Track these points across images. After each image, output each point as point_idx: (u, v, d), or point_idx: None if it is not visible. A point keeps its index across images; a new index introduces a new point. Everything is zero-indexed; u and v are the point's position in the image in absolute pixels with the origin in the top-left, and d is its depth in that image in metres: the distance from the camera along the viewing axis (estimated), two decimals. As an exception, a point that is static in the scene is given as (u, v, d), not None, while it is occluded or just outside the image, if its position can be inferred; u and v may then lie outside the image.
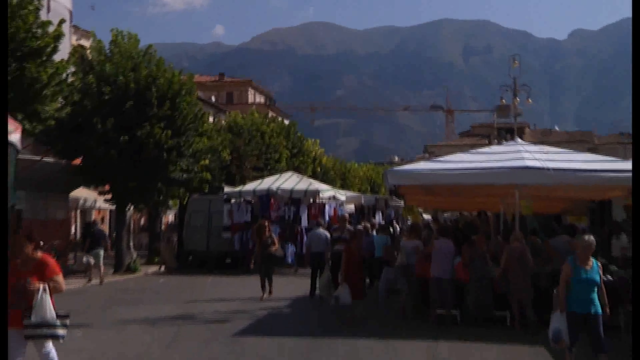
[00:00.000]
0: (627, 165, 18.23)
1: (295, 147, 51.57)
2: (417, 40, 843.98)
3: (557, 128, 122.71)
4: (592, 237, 10.94)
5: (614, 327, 13.33)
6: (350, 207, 36.74)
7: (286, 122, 60.35)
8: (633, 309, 6.14)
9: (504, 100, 60.73)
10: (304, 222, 32.06)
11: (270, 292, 20.10)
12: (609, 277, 14.49)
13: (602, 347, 10.22)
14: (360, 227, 20.85)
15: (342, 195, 37.52)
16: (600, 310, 10.28)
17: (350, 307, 17.81)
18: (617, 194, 19.97)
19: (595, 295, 10.41)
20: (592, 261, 10.62)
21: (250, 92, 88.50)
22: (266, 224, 19.63)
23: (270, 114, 63.60)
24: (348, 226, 22.16)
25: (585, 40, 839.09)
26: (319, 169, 54.49)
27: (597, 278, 10.50)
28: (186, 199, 33.56)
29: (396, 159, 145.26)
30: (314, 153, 57.62)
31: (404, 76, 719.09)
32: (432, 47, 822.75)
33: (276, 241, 18.09)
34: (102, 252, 26.11)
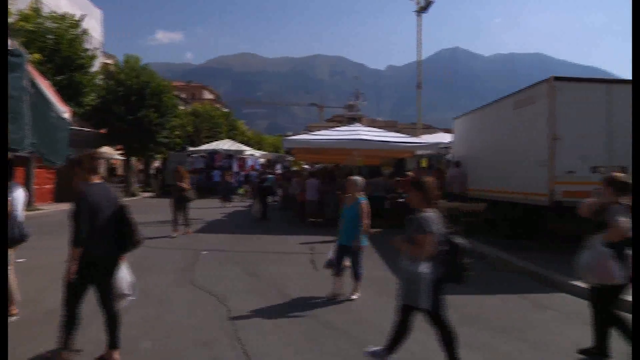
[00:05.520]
0: (414, 139, 18.62)
1: (231, 125, 50.83)
2: (303, 64, 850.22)
3: (379, 118, 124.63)
4: (357, 177, 7.65)
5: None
6: (262, 160, 36.60)
7: (226, 110, 60.03)
8: (633, 308, 4.68)
9: (351, 102, 61.53)
10: (235, 168, 32.42)
11: (188, 231, 13.94)
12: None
13: (357, 274, 7.24)
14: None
15: (257, 153, 38.14)
16: (359, 242, 7.18)
17: (260, 217, 17.87)
18: (409, 155, 20.47)
19: (352, 229, 7.16)
20: (357, 198, 7.26)
21: (206, 92, 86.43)
22: (181, 170, 14.40)
23: (218, 105, 62.89)
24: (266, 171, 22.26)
25: (394, 70, 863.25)
26: (245, 138, 54.09)
27: (353, 213, 7.20)
28: (166, 154, 33.55)
29: (290, 133, 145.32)
30: (242, 129, 57.83)
31: (295, 85, 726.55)
32: (311, 69, 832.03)
33: (187, 184, 14.12)
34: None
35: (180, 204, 13.88)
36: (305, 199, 16.70)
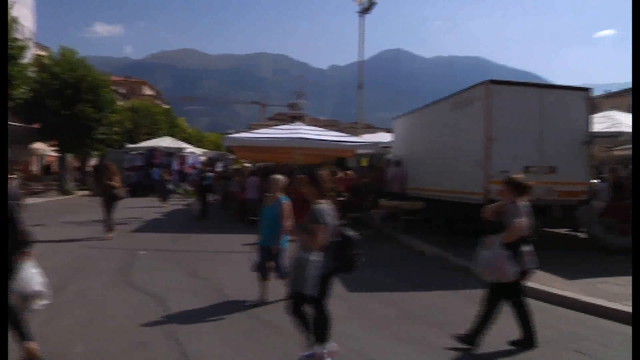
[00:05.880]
0: (355, 138, 18.78)
1: (172, 122, 49.98)
2: (246, 62, 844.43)
3: (322, 117, 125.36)
4: (279, 176, 7.14)
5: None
6: (203, 158, 36.09)
7: (167, 107, 58.99)
8: (633, 307, 5.10)
9: (293, 101, 61.55)
10: (175, 166, 31.82)
11: (113, 232, 12.89)
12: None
13: (282, 276, 6.64)
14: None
15: (198, 151, 37.55)
16: (280, 244, 6.76)
17: (200, 216, 17.62)
18: (349, 154, 20.65)
19: (272, 230, 6.71)
20: (278, 198, 6.82)
21: (146, 88, 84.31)
22: (110, 166, 13.54)
23: (158, 102, 61.60)
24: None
25: (337, 70, 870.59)
26: (186, 136, 53.24)
27: (274, 213, 6.72)
28: (104, 150, 32.39)
29: (231, 131, 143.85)
30: (183, 126, 57.03)
31: (238, 83, 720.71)
32: (254, 67, 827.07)
33: (117, 182, 13.24)
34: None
35: (110, 202, 12.98)
36: (245, 197, 16.57)
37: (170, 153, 32.48)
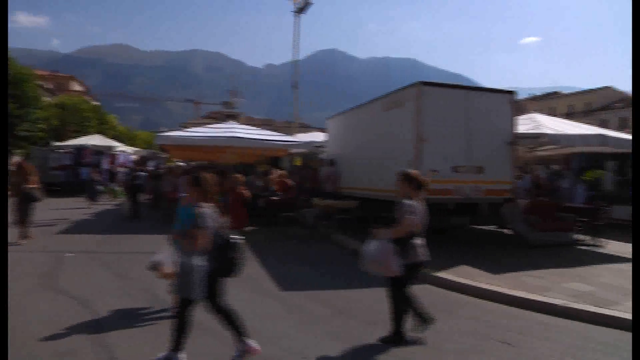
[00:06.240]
0: (289, 138, 18.83)
1: (102, 120, 48.35)
2: (180, 59, 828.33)
3: (257, 116, 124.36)
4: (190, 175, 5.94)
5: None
6: (135, 157, 35.11)
7: (97, 103, 57.08)
8: (633, 306, 5.01)
9: (228, 100, 60.98)
10: (105, 165, 30.76)
11: (29, 236, 11.89)
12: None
13: None
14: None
15: (130, 149, 36.41)
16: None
17: (131, 216, 17.18)
18: (283, 154, 20.68)
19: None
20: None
21: (74, 84, 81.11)
22: (25, 165, 12.57)
23: (87, 98, 59.37)
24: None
25: (272, 69, 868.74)
26: (117, 133, 51.64)
27: (188, 214, 4.93)
28: (28, 149, 30.59)
29: (164, 129, 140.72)
30: (113, 124, 55.30)
31: (172, 81, 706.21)
32: (188, 64, 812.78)
33: (34, 181, 12.16)
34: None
35: (24, 204, 11.90)
36: (178, 197, 16.24)
37: (100, 151, 31.40)
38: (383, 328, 5.71)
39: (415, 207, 5.36)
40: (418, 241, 5.41)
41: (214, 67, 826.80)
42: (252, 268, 9.29)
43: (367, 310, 6.76)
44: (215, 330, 5.75)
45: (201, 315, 6.40)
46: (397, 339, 5.49)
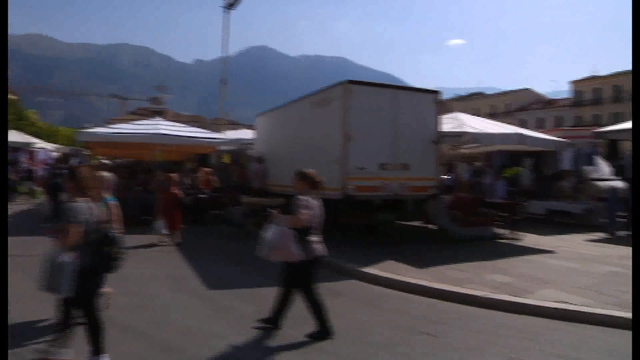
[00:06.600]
0: (216, 135, 18.57)
1: (19, 115, 46.05)
2: (105, 53, 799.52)
3: (185, 112, 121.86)
4: (106, 173, 6.24)
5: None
6: (56, 154, 33.64)
7: (13, 97, 54.25)
8: (633, 306, 5.01)
9: (155, 96, 59.54)
10: (23, 163, 29.33)
11: None
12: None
13: None
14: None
15: (50, 146, 34.98)
16: None
17: (51, 216, 16.36)
18: (211, 150, 20.41)
19: None
20: (104, 199, 5.74)
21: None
22: None
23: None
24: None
25: (202, 65, 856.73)
26: (36, 130, 49.25)
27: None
28: None
29: (88, 125, 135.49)
30: (33, 119, 52.80)
31: (96, 75, 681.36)
32: (114, 58, 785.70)
33: None
34: None
35: None
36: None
37: (17, 148, 29.82)
38: (311, 324, 5.74)
39: (311, 203, 5.57)
40: (314, 237, 5.55)
41: (141, 62, 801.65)
42: (177, 268, 9.13)
43: (294, 307, 6.76)
44: (142, 331, 5.60)
45: (126, 317, 6.23)
46: (323, 334, 5.53)
